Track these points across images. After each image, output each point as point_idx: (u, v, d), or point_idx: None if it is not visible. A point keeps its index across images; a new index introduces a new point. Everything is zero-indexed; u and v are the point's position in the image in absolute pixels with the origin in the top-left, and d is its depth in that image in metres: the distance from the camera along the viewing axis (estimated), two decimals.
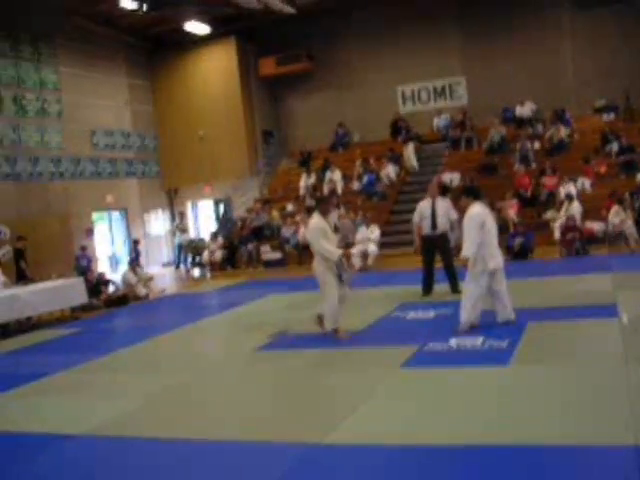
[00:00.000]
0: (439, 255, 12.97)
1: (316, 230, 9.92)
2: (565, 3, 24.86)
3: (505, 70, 25.25)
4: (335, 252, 9.84)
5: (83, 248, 20.75)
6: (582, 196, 19.90)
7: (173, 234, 26.54)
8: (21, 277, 18.05)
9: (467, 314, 9.51)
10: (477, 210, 9.57)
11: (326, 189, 24.46)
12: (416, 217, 13.11)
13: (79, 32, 24.29)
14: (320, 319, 10.26)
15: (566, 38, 24.96)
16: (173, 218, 28.44)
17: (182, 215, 27.08)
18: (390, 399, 7.12)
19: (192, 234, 27.28)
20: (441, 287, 13.05)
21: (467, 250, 9.34)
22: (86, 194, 24.38)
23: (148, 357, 10.76)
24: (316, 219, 10.07)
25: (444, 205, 12.99)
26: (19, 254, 18.40)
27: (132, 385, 8.76)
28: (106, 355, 10.90)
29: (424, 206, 12.99)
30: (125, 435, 6.80)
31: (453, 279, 12.76)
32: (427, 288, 13.06)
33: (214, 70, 27.79)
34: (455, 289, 12.55)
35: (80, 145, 24.56)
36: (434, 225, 12.80)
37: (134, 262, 19.59)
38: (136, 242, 23.22)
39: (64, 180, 23.63)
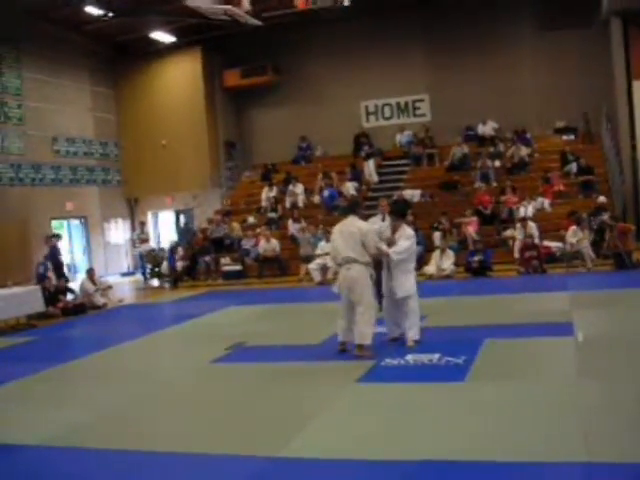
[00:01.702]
0: None
1: (373, 232, 9.59)
2: (528, 24, 25.13)
3: (468, 89, 25.44)
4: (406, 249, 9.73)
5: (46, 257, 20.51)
6: (541, 215, 20.12)
7: (134, 244, 26.34)
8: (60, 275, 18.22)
9: (417, 328, 9.78)
10: (411, 231, 10.00)
11: (288, 202, 24.48)
12: None
13: (43, 37, 24.08)
14: (360, 347, 9.33)
15: (528, 59, 25.23)
16: (133, 228, 28.26)
17: (143, 225, 26.92)
18: (344, 414, 7.11)
19: (153, 244, 26.97)
20: None
21: (396, 254, 9.60)
22: (46, 201, 24.15)
23: (102, 368, 10.62)
24: (362, 222, 9.70)
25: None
26: (53, 255, 18.46)
27: (85, 396, 8.66)
28: (60, 365, 10.75)
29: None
30: (76, 446, 6.70)
31: None
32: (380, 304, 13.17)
33: (178, 80, 27.74)
34: None
35: (41, 151, 24.36)
36: None
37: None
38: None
39: (24, 186, 23.39)
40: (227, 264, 22.10)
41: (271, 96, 28.32)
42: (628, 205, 21.46)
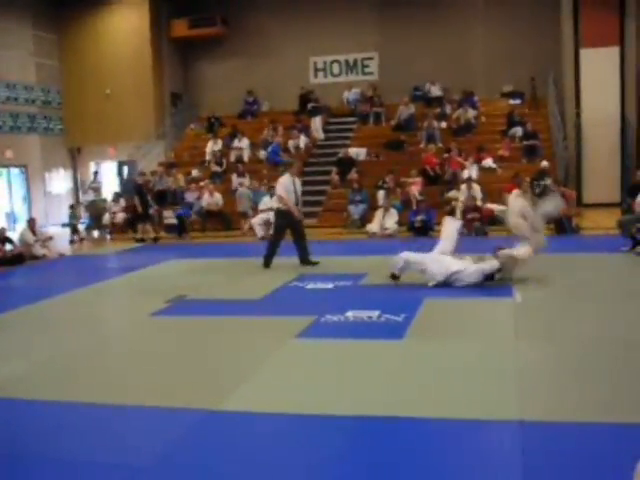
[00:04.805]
0: (292, 229, 13.62)
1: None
2: None
3: (417, 49, 25.42)
4: None
5: None
6: (485, 178, 20.26)
7: (85, 193, 25.89)
8: (141, 215, 19.40)
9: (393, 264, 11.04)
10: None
11: (233, 157, 24.27)
12: (283, 192, 13.54)
13: None
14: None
15: (478, 22, 25.25)
16: (75, 178, 27.80)
17: (96, 174, 26.42)
18: (283, 368, 7.13)
19: (104, 194, 26.32)
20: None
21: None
22: None
23: (39, 319, 10.43)
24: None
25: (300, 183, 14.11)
26: (140, 190, 19.09)
27: (20, 347, 8.51)
28: None
29: (287, 182, 13.56)
30: (7, 396, 6.59)
31: (304, 251, 13.46)
32: (270, 260, 13.46)
33: (125, 28, 27.18)
34: (305, 260, 13.36)
35: None
36: (296, 201, 13.48)
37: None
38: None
39: None
40: (170, 217, 21.84)
41: (219, 48, 27.95)
42: (570, 171, 21.74)
